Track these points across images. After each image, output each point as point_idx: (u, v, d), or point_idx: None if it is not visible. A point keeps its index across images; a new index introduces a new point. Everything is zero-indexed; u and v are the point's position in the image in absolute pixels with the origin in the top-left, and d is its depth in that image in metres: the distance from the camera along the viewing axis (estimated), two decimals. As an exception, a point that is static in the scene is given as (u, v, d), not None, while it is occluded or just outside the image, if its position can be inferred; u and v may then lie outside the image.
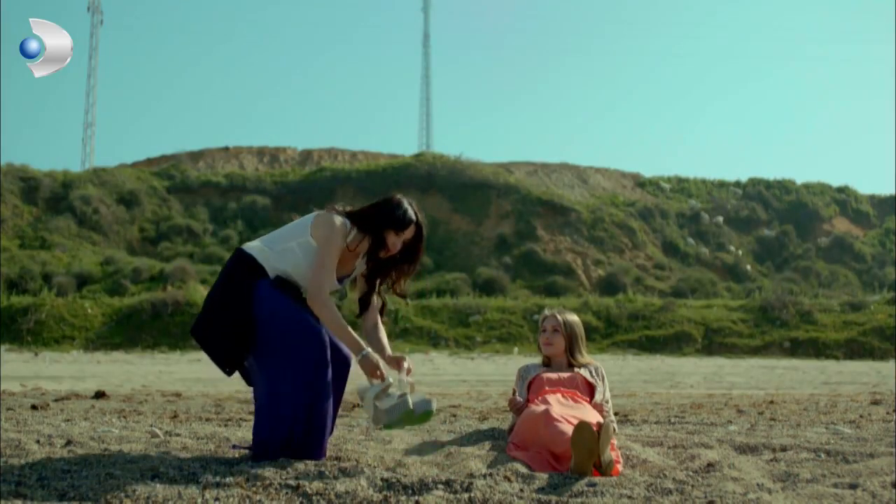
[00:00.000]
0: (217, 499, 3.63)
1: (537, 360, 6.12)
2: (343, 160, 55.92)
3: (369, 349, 4.73)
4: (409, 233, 4.95)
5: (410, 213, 4.95)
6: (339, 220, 4.86)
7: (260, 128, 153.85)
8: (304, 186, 48.58)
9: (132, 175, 48.74)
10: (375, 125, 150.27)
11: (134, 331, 29.71)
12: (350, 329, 4.72)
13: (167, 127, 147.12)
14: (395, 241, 4.91)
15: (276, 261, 4.83)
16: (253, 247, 4.90)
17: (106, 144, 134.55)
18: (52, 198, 44.14)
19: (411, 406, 4.59)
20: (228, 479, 3.94)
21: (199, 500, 3.61)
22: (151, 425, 6.47)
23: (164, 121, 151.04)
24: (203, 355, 24.15)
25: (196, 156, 54.89)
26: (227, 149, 56.52)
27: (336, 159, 56.11)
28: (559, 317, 5.87)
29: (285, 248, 4.86)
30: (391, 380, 4.71)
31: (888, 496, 3.80)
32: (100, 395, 10.02)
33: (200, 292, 32.03)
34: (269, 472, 4.15)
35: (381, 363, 4.75)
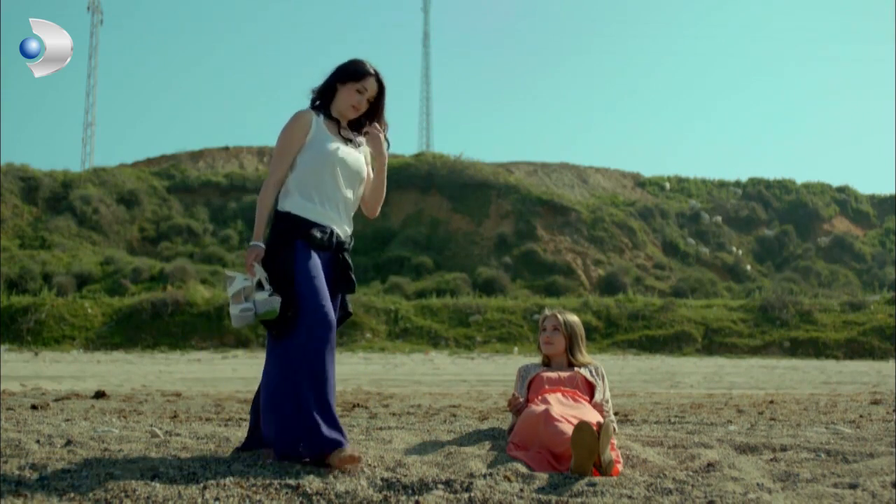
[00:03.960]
0: (217, 499, 3.63)
1: (537, 359, 6.12)
2: (343, 160, 55.83)
3: (261, 244, 4.72)
4: (369, 86, 4.99)
5: (366, 66, 4.99)
6: (299, 113, 4.95)
7: (260, 127, 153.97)
8: (304, 186, 48.56)
9: (132, 175, 48.75)
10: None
11: (134, 331, 29.71)
12: (263, 222, 4.77)
13: (167, 127, 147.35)
14: (357, 98, 4.97)
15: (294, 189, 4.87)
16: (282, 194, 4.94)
17: (106, 144, 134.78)
18: (52, 198, 44.16)
19: (253, 319, 4.59)
20: (228, 480, 3.94)
21: (200, 500, 3.61)
22: (151, 425, 6.47)
23: (164, 120, 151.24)
24: (203, 355, 23.94)
25: (196, 155, 54.89)
26: (227, 148, 56.53)
27: (336, 159, 56.00)
28: (560, 316, 5.87)
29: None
30: (259, 278, 4.63)
31: (888, 496, 3.79)
32: (100, 394, 10.01)
33: (200, 292, 32.02)
34: (269, 472, 4.15)
35: (258, 266, 4.66)
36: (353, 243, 5.05)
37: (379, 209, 5.27)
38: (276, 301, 4.57)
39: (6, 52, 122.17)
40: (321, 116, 4.97)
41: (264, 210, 4.79)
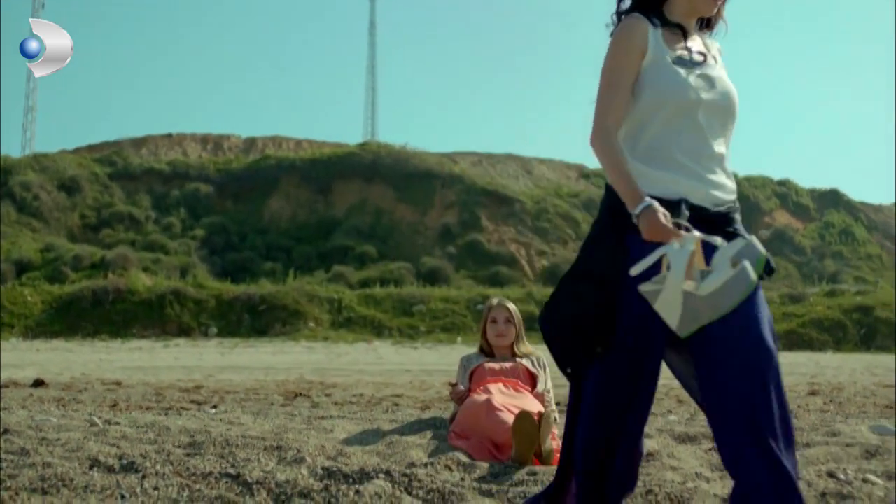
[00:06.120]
0: (156, 488, 3.60)
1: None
2: (287, 148, 55.62)
3: (648, 200, 2.86)
4: None
5: None
6: (627, 24, 3.14)
7: (204, 115, 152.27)
8: (248, 174, 48.32)
9: (73, 161, 48.16)
10: (320, 113, 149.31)
11: (74, 318, 29.39)
12: (629, 178, 2.93)
13: (109, 113, 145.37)
14: None
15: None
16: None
17: (47, 130, 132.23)
18: (-10, 184, 43.53)
19: (752, 276, 2.89)
20: (167, 469, 3.91)
21: (139, 489, 3.58)
22: (90, 414, 6.41)
23: (107, 106, 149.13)
24: (144, 343, 23.66)
25: (139, 142, 54.35)
26: (170, 135, 56.03)
27: (280, 147, 55.79)
28: (510, 306, 5.84)
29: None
30: (695, 234, 2.84)
31: (823, 485, 3.85)
32: (38, 383, 9.91)
33: (142, 280, 31.76)
34: (208, 461, 4.13)
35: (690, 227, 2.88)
36: (736, 208, 3.13)
37: None
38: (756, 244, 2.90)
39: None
40: (658, 26, 3.14)
41: (618, 162, 3.01)
